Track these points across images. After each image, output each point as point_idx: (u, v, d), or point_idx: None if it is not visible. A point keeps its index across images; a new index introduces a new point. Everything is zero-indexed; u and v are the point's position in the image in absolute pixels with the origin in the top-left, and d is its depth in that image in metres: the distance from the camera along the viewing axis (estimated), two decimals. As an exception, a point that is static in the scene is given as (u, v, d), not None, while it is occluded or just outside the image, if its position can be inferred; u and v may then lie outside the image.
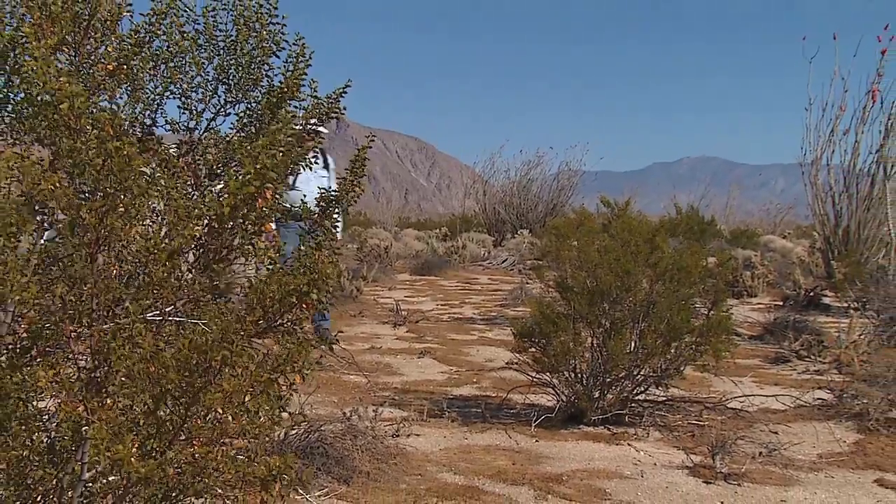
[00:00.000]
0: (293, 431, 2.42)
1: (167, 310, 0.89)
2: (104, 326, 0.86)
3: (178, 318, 0.88)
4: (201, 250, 0.91)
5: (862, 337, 4.54)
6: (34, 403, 0.98)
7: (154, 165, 1.27)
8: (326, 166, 4.82)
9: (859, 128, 7.47)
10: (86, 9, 1.24)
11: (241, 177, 0.83)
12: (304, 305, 0.82)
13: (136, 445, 0.80)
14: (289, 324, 0.85)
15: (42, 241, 1.03)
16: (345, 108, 1.25)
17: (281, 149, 0.86)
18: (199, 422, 0.82)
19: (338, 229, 4.37)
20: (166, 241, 0.81)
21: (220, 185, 1.37)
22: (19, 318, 1.08)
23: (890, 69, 7.35)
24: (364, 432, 2.59)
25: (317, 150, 4.18)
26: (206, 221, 0.87)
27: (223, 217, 0.83)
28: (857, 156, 7.49)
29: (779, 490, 2.45)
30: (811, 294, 6.75)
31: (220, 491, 0.86)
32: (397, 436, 2.83)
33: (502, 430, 3.02)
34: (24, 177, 0.95)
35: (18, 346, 1.06)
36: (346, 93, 1.25)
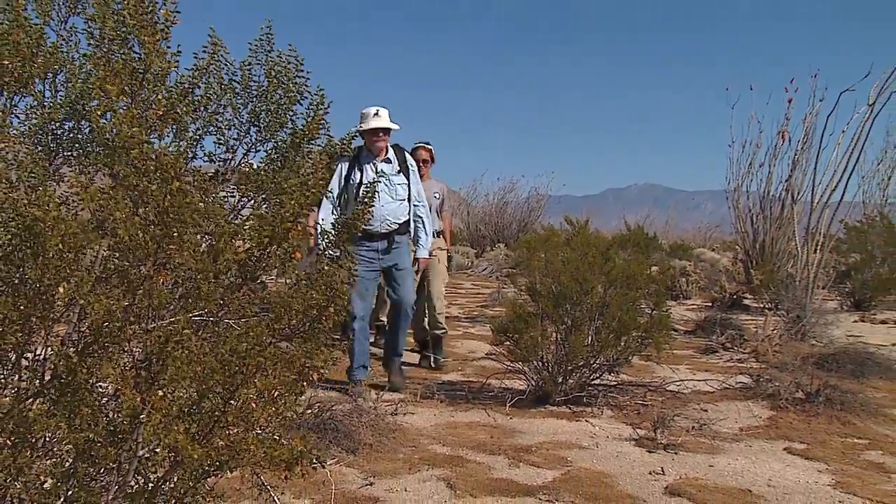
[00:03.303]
0: (309, 411, 2.41)
1: (210, 318, 0.90)
2: (158, 331, 0.86)
3: (219, 324, 0.89)
4: (241, 270, 0.92)
5: (774, 332, 4.61)
6: (98, 392, 0.98)
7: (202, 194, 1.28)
8: (406, 171, 3.60)
9: (772, 162, 7.63)
10: (141, 65, 1.25)
11: (280, 213, 0.84)
12: (324, 317, 0.83)
13: (183, 431, 0.81)
14: (309, 331, 0.86)
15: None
16: (355, 149, 1.27)
17: (313, 189, 0.88)
18: (234, 412, 0.82)
19: (424, 245, 3.49)
20: (213, 262, 0.82)
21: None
22: (84, 319, 1.08)
23: (797, 112, 7.51)
24: (368, 411, 2.59)
25: (388, 159, 3.40)
26: (247, 247, 0.88)
27: (262, 245, 0.85)
28: (770, 184, 7.64)
29: (708, 457, 2.47)
30: (734, 297, 6.83)
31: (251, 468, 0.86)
32: (395, 414, 2.83)
33: (482, 410, 3.03)
34: (91, 202, 0.96)
35: (83, 342, 1.06)
36: (356, 136, 1.27)
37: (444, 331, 4.10)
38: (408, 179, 3.47)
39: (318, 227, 4.34)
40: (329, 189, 3.33)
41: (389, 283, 3.44)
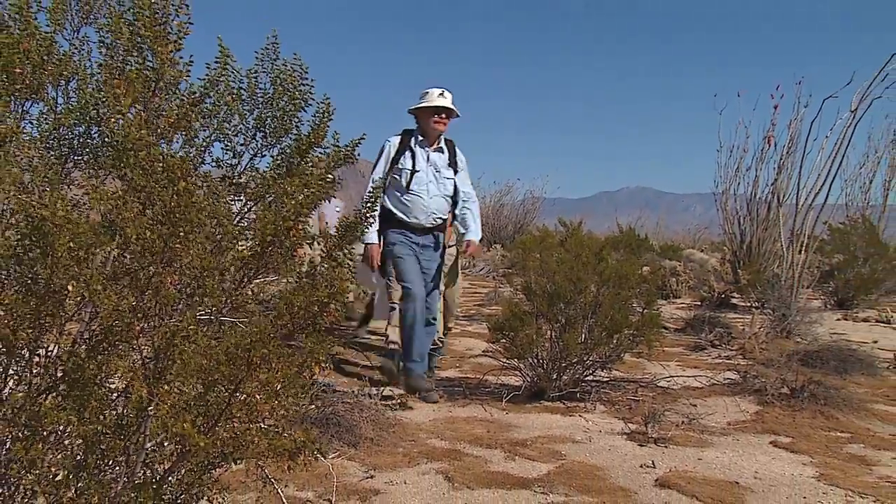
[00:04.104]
0: (312, 406, 2.41)
1: (214, 314, 0.90)
2: (166, 326, 0.86)
3: (223, 319, 0.89)
4: (245, 268, 0.92)
5: (761, 330, 4.61)
6: (106, 387, 0.98)
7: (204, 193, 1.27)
8: (455, 166, 3.06)
9: (758, 166, 7.65)
10: (153, 74, 1.25)
11: (281, 212, 0.84)
12: (324, 314, 0.83)
13: (189, 422, 0.81)
14: (311, 327, 0.86)
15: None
16: (359, 154, 1.27)
17: (313, 189, 0.88)
18: (239, 405, 0.82)
19: (473, 230, 3.09)
20: (218, 260, 0.82)
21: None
22: (95, 317, 1.08)
23: (783, 118, 7.52)
24: (369, 406, 2.58)
25: (441, 149, 2.94)
26: (250, 245, 0.88)
27: (265, 243, 0.84)
28: (756, 187, 7.66)
29: (697, 450, 2.47)
30: (722, 296, 6.84)
31: (255, 459, 0.86)
32: (395, 409, 2.82)
33: (479, 405, 3.02)
34: (101, 204, 0.96)
35: (93, 339, 1.06)
36: (361, 143, 1.27)
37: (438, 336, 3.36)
38: (455, 176, 3.03)
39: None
40: (374, 176, 2.93)
41: None
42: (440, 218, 3.02)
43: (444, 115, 2.92)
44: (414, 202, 2.92)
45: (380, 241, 3.03)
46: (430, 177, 2.93)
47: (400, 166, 2.92)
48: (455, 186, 3.04)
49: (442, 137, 3.01)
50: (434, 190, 2.97)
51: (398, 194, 2.93)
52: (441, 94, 2.91)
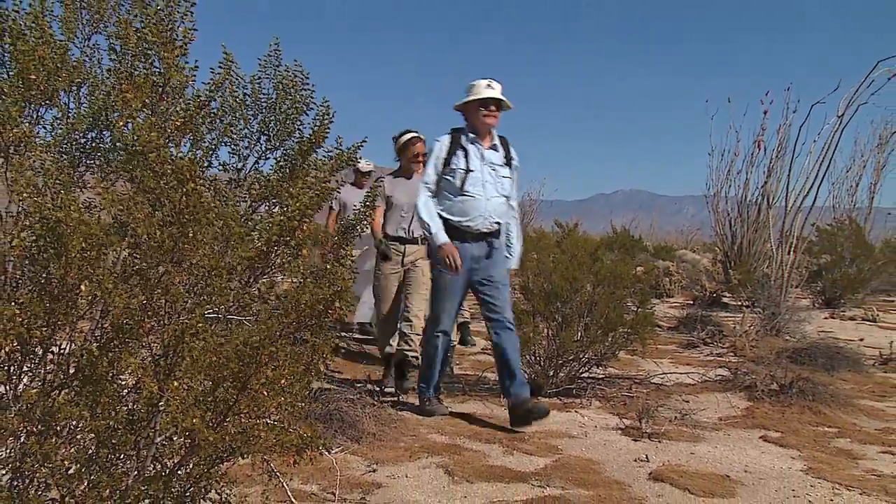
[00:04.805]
0: (316, 403, 2.41)
1: (222, 312, 0.90)
2: (176, 324, 0.87)
3: (231, 318, 0.90)
4: (251, 267, 0.92)
5: (751, 328, 4.62)
6: (118, 383, 0.98)
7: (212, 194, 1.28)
8: (510, 164, 2.68)
9: (749, 169, 7.67)
10: (161, 79, 1.26)
11: (286, 212, 0.85)
12: (329, 312, 0.84)
13: (198, 417, 0.81)
14: (315, 325, 0.86)
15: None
16: (360, 157, 1.28)
17: (317, 191, 0.88)
18: (246, 401, 0.83)
19: (514, 255, 2.71)
20: (225, 259, 0.82)
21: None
22: (106, 315, 1.08)
23: (772, 123, 7.54)
24: (371, 403, 2.59)
25: (495, 145, 2.58)
26: (256, 245, 0.88)
27: (271, 242, 0.85)
28: (747, 190, 7.68)
29: (689, 445, 2.47)
30: (714, 295, 6.84)
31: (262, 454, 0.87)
32: (397, 405, 2.83)
33: (479, 401, 3.02)
34: (112, 206, 0.96)
35: (105, 337, 1.06)
36: (362, 146, 1.28)
37: (412, 354, 3.00)
38: (511, 174, 2.64)
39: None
40: (426, 179, 2.58)
41: (481, 295, 2.64)
42: (497, 222, 2.61)
43: (493, 108, 2.54)
44: (470, 205, 2.54)
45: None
46: (487, 176, 2.55)
47: (452, 166, 2.55)
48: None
49: (495, 133, 2.63)
50: (491, 190, 2.57)
51: (452, 196, 2.56)
52: (489, 85, 2.53)
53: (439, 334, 2.66)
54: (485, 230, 2.59)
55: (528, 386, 2.59)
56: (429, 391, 2.70)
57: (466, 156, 2.56)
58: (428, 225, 2.56)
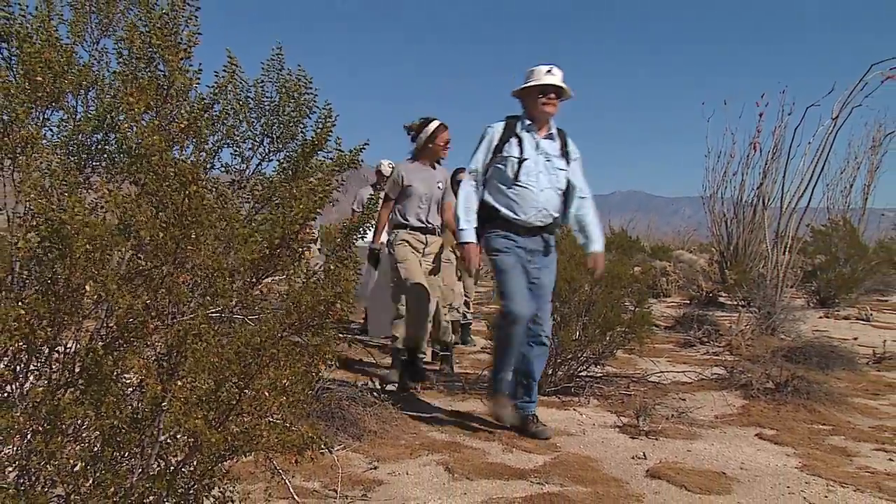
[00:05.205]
0: (318, 402, 2.41)
1: (225, 313, 0.90)
2: (179, 324, 0.87)
3: (234, 317, 0.89)
4: (254, 269, 0.92)
5: (747, 327, 4.62)
6: (122, 382, 0.98)
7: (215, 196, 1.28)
8: (567, 156, 2.47)
9: (744, 170, 7.68)
10: (165, 82, 1.26)
11: (290, 215, 0.84)
12: (330, 313, 0.83)
13: (201, 417, 0.81)
14: (317, 326, 0.86)
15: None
16: (362, 160, 1.28)
17: (320, 194, 0.88)
18: (249, 400, 0.83)
19: (595, 239, 2.43)
20: (228, 260, 0.82)
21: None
22: (110, 316, 1.08)
23: (767, 125, 7.54)
24: (373, 401, 2.59)
25: (552, 135, 2.38)
26: (260, 247, 0.88)
27: (273, 245, 0.85)
28: (743, 191, 7.69)
29: (686, 442, 2.47)
30: (710, 295, 6.85)
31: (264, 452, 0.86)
32: (398, 403, 2.83)
33: (478, 399, 3.02)
34: (117, 208, 0.96)
35: (109, 337, 1.06)
36: (364, 149, 1.28)
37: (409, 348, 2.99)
38: (568, 167, 2.43)
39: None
40: (472, 166, 2.39)
41: None
42: (551, 216, 2.40)
43: (552, 95, 2.34)
44: (523, 196, 2.34)
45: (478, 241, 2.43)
46: (541, 166, 2.34)
47: (505, 154, 2.35)
48: (568, 181, 2.44)
49: (553, 123, 2.42)
50: (545, 181, 2.36)
51: (503, 187, 2.36)
52: (549, 71, 2.34)
53: (513, 317, 2.31)
54: (538, 224, 2.37)
55: (535, 405, 2.46)
56: (502, 385, 2.40)
57: (520, 144, 2.35)
58: (459, 219, 2.37)
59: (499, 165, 2.38)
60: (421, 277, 3.04)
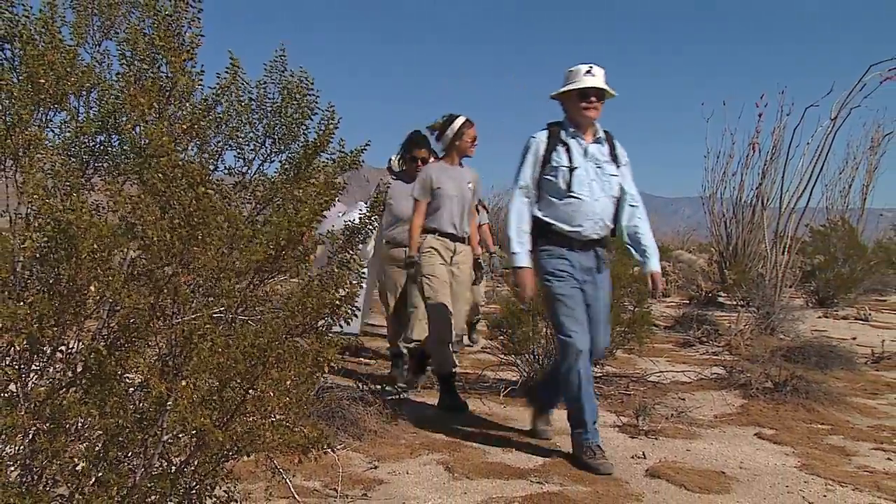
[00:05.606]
0: (320, 400, 2.41)
1: (229, 313, 0.90)
2: (183, 325, 0.87)
3: (239, 318, 0.90)
4: (260, 270, 0.92)
5: (746, 327, 4.62)
6: (126, 382, 0.98)
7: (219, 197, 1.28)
8: (617, 160, 2.29)
9: (744, 171, 7.67)
10: (168, 83, 1.26)
11: (296, 218, 0.84)
12: (335, 315, 0.83)
13: (206, 417, 0.81)
14: (322, 328, 0.86)
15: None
16: (363, 161, 1.28)
17: (326, 197, 0.88)
18: (253, 401, 0.83)
19: (651, 255, 2.22)
20: (233, 262, 0.82)
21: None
22: (113, 315, 1.09)
23: (767, 125, 7.55)
24: (373, 401, 2.59)
25: (599, 139, 2.23)
26: (265, 248, 0.88)
27: (279, 247, 0.85)
28: (742, 191, 7.68)
29: (685, 442, 2.47)
30: (709, 295, 6.85)
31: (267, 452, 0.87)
32: (398, 403, 2.83)
33: (478, 399, 3.02)
34: (121, 207, 0.96)
35: (113, 336, 1.07)
36: (365, 150, 1.28)
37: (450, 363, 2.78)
38: (619, 172, 2.25)
39: (514, 229, 2.21)
40: (521, 181, 2.21)
41: None
42: (606, 226, 2.24)
43: (593, 99, 2.17)
44: (576, 207, 2.17)
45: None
46: (592, 174, 2.18)
47: (554, 164, 2.18)
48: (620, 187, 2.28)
49: (598, 126, 2.25)
50: (598, 191, 2.19)
51: (555, 199, 2.20)
52: (589, 71, 2.17)
53: (575, 350, 2.11)
54: (594, 237, 2.20)
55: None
56: (587, 435, 2.14)
57: (568, 151, 2.18)
58: (511, 241, 2.18)
59: (548, 177, 2.21)
60: (447, 298, 2.81)
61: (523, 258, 2.20)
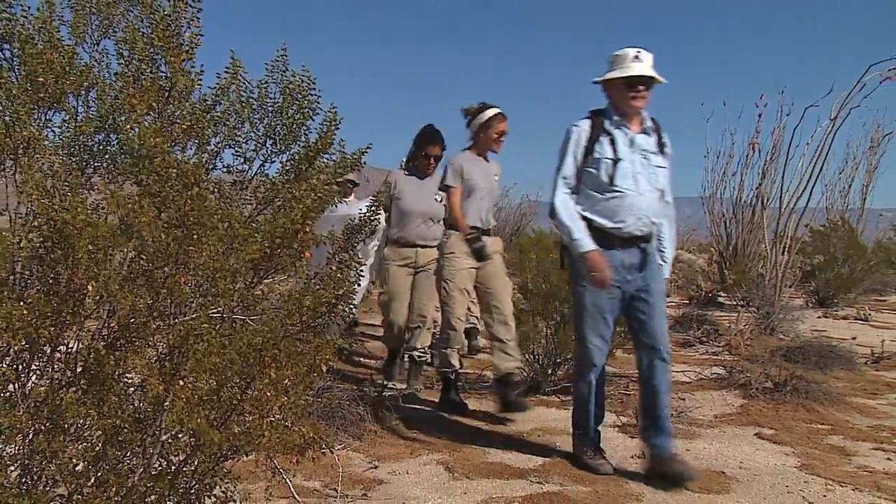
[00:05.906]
0: (319, 400, 2.41)
1: (226, 313, 0.90)
2: (181, 325, 0.86)
3: (236, 318, 0.89)
4: (256, 269, 0.92)
5: (746, 327, 4.61)
6: (124, 382, 0.98)
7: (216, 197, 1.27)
8: (663, 149, 2.12)
9: (743, 171, 7.66)
10: (167, 83, 1.25)
11: (290, 216, 0.84)
12: (332, 314, 0.83)
13: (203, 417, 0.81)
14: (319, 326, 0.86)
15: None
16: (365, 162, 1.28)
17: (319, 195, 0.88)
18: (251, 401, 0.82)
19: (667, 262, 2.11)
20: (229, 262, 0.82)
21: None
22: (112, 315, 1.08)
23: (766, 125, 7.54)
24: (373, 400, 2.58)
25: (646, 129, 2.07)
26: (260, 247, 0.87)
27: (274, 246, 0.85)
28: (742, 191, 7.67)
29: (686, 442, 2.47)
30: (709, 295, 6.84)
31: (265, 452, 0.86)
32: (398, 403, 2.82)
33: (479, 399, 3.02)
34: (120, 208, 0.96)
35: (111, 337, 1.06)
36: (367, 152, 1.28)
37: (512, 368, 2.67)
38: (666, 164, 2.09)
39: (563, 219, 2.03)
40: (564, 171, 2.06)
41: (632, 313, 2.09)
42: (652, 222, 2.08)
43: (641, 87, 2.01)
44: (620, 202, 2.01)
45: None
46: (638, 167, 2.02)
47: (596, 156, 2.02)
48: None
49: (646, 114, 2.08)
50: (644, 184, 2.03)
51: (597, 193, 2.04)
52: (636, 57, 2.01)
53: (589, 364, 2.08)
54: (638, 233, 2.04)
55: (671, 438, 2.03)
56: (587, 439, 2.14)
57: (613, 143, 2.02)
58: (569, 229, 2.03)
59: (590, 169, 2.05)
60: (463, 306, 2.73)
61: (587, 242, 2.03)
